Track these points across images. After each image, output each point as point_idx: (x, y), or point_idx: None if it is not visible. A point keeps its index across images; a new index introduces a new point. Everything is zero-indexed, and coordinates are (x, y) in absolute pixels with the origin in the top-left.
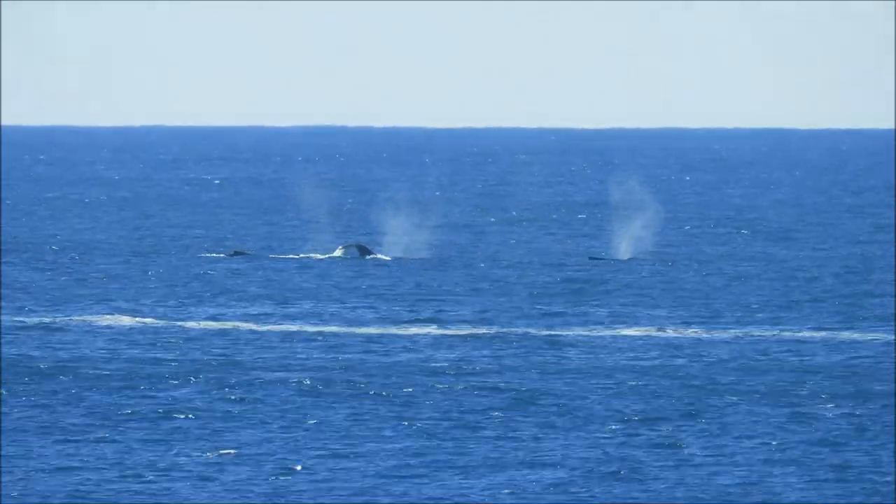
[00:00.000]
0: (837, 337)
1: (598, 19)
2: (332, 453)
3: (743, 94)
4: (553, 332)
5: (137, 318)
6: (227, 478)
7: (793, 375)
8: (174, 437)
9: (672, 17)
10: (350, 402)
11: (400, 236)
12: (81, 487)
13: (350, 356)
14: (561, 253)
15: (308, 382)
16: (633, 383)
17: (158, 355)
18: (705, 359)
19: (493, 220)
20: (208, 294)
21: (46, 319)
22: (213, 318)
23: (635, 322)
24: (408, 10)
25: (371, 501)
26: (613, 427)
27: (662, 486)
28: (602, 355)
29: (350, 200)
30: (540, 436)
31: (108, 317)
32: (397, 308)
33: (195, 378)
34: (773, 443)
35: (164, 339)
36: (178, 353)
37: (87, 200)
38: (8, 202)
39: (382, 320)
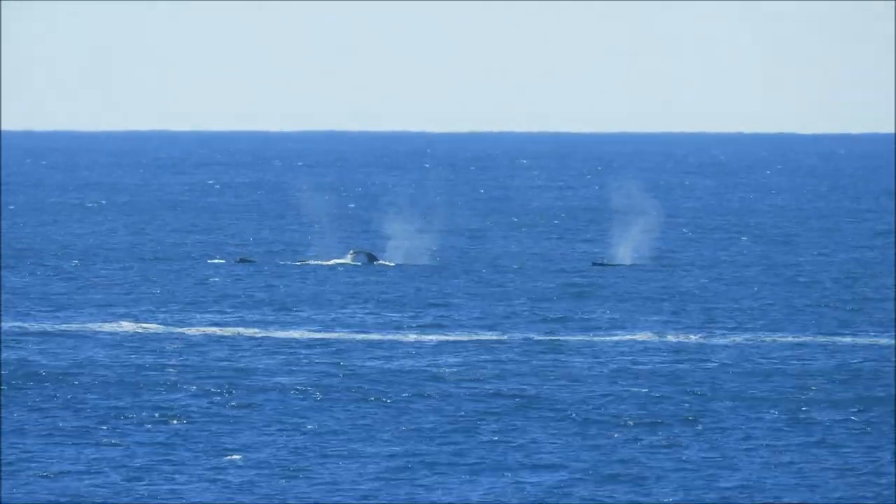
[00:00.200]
0: (837, 341)
1: (598, 19)
2: (333, 456)
3: (743, 95)
4: (555, 337)
5: (140, 325)
6: (230, 480)
7: (793, 380)
8: (175, 441)
9: (672, 18)
10: (353, 406)
11: (403, 241)
12: (82, 492)
13: (355, 362)
14: (563, 258)
15: (311, 388)
16: (635, 388)
17: (162, 361)
18: (706, 363)
19: (494, 224)
20: (214, 301)
21: (47, 325)
22: (219, 324)
23: (636, 327)
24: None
25: None
26: (614, 431)
27: (663, 490)
28: (603, 360)
29: (352, 205)
30: (541, 439)
31: (110, 324)
32: (401, 314)
33: (199, 384)
34: (773, 446)
35: (168, 346)
36: (181, 359)
37: (89, 205)
38: (10, 207)
39: (387, 326)
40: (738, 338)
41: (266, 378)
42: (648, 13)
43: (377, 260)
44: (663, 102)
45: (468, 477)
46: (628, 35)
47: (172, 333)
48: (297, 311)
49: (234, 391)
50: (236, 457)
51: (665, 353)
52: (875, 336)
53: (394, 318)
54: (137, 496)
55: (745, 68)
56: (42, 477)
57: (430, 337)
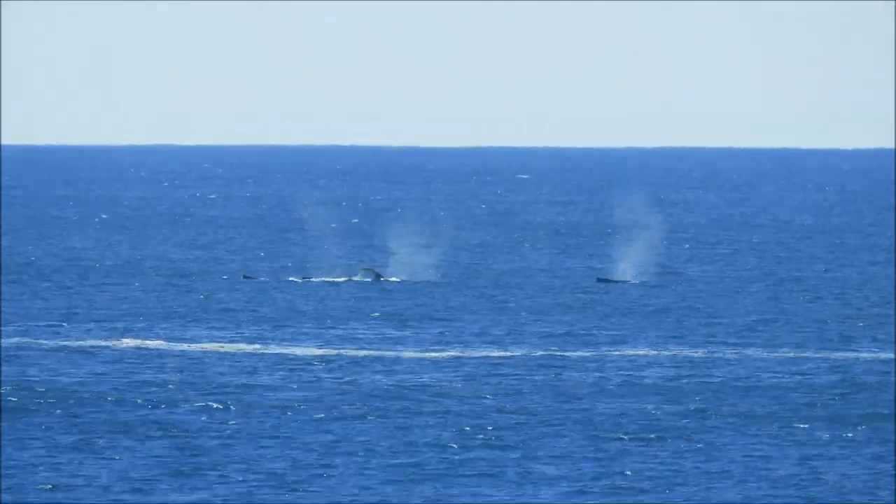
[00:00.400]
0: (839, 356)
1: (598, 19)
2: (333, 470)
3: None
4: (560, 353)
5: (141, 340)
6: (228, 494)
7: (794, 395)
8: (174, 455)
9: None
10: (354, 421)
11: (408, 257)
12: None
13: (358, 377)
14: (568, 274)
15: (312, 403)
16: (638, 403)
17: (162, 376)
18: (709, 378)
19: (498, 240)
20: (217, 316)
21: (46, 341)
22: (221, 340)
23: (640, 342)
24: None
25: None
26: (616, 444)
27: (660, 502)
28: (607, 375)
29: (355, 220)
30: (542, 454)
31: (111, 340)
32: (406, 330)
33: (200, 399)
34: (772, 459)
35: (169, 361)
36: (182, 374)
37: (88, 219)
38: (10, 221)
39: (391, 342)
40: (741, 353)
41: (268, 393)
42: (648, 13)
43: (383, 277)
44: (663, 103)
45: (468, 487)
46: (628, 35)
47: (174, 349)
48: (300, 327)
49: (234, 406)
50: (236, 470)
51: (668, 368)
52: (877, 351)
53: (398, 335)
54: None
55: (744, 68)
56: (41, 490)
57: (434, 353)
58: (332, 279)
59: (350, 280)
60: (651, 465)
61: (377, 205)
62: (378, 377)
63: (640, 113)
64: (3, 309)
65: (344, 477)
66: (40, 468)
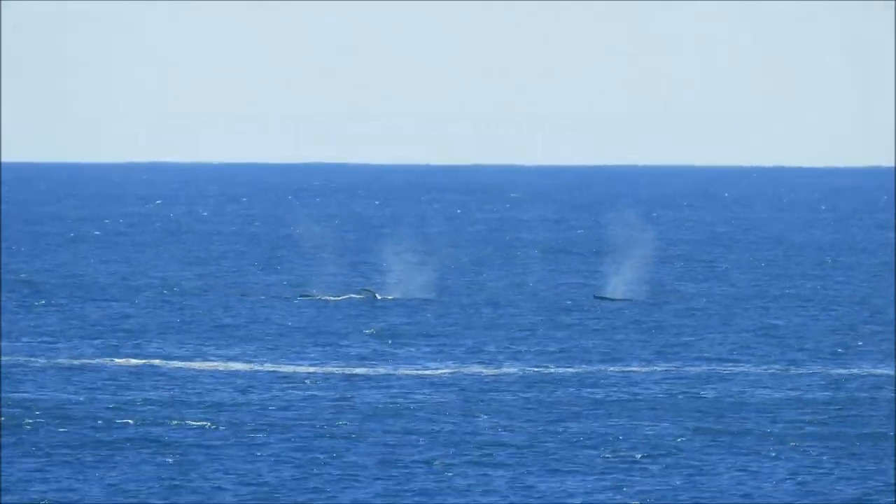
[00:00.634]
0: (831, 373)
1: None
2: (322, 486)
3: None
4: (553, 370)
5: (132, 359)
6: None
7: (787, 411)
8: (165, 472)
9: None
10: (346, 439)
11: (403, 276)
12: None
13: (351, 395)
14: (564, 291)
15: (304, 421)
16: (629, 420)
17: (158, 394)
18: (702, 395)
19: (493, 258)
20: (218, 335)
21: (40, 359)
22: (213, 358)
23: (636, 359)
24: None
25: None
26: (606, 461)
27: None
28: (603, 392)
29: (350, 237)
30: (535, 471)
31: (101, 358)
32: (400, 349)
33: (192, 416)
34: (766, 475)
35: (163, 379)
36: (177, 392)
37: (79, 235)
38: (8, 240)
39: (385, 360)
40: (735, 369)
41: (262, 411)
42: (648, 13)
43: (379, 296)
44: (663, 103)
45: None
46: (628, 35)
47: (168, 367)
48: (295, 344)
49: (228, 423)
50: (228, 485)
51: (663, 385)
52: (869, 368)
53: (392, 352)
54: None
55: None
56: None
57: (428, 371)
58: (328, 297)
59: (346, 298)
60: (644, 483)
61: (371, 222)
62: (372, 394)
63: (640, 113)
64: (2, 326)
65: (336, 493)
66: (33, 484)
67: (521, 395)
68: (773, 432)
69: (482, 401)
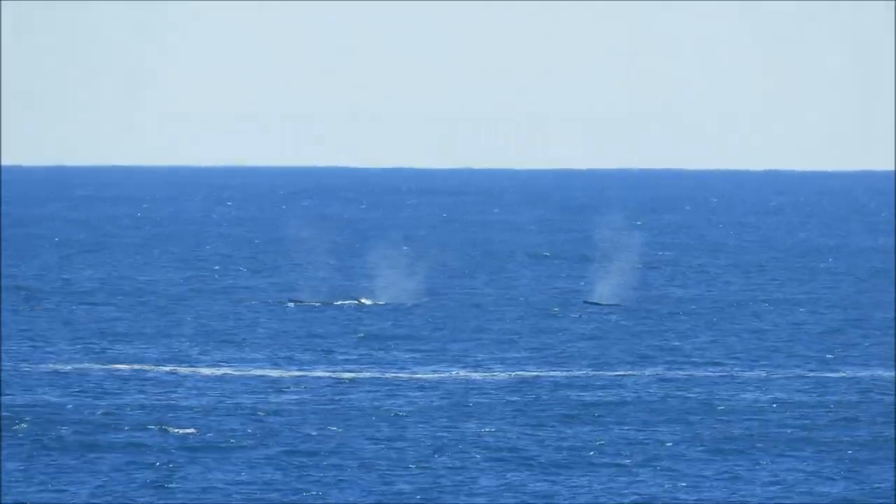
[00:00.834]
0: (821, 376)
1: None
2: (307, 489)
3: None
4: (539, 374)
5: (115, 364)
6: None
7: (775, 415)
8: (150, 476)
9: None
10: (338, 443)
11: (391, 280)
12: None
13: (341, 399)
14: (554, 296)
15: (289, 426)
16: (618, 422)
17: (143, 398)
18: (691, 399)
19: (483, 262)
20: (207, 340)
21: (24, 365)
22: (198, 363)
23: (623, 364)
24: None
25: None
26: (597, 463)
27: None
28: (588, 396)
29: (341, 241)
30: (525, 478)
31: (89, 362)
32: (388, 352)
33: (179, 421)
34: (759, 481)
35: (150, 383)
36: (164, 396)
37: (75, 240)
38: (6, 244)
39: (375, 364)
40: (723, 373)
41: (249, 415)
42: (648, 13)
43: (366, 301)
44: (663, 103)
45: None
46: (628, 35)
47: (154, 371)
48: (284, 349)
49: (216, 428)
50: (215, 490)
51: (651, 390)
52: (857, 371)
53: (380, 356)
54: None
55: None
56: None
57: (417, 375)
58: (317, 302)
59: (335, 303)
60: (630, 486)
61: (360, 225)
62: (360, 399)
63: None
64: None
65: (324, 495)
66: (16, 486)
67: (507, 398)
68: (760, 435)
69: (470, 404)
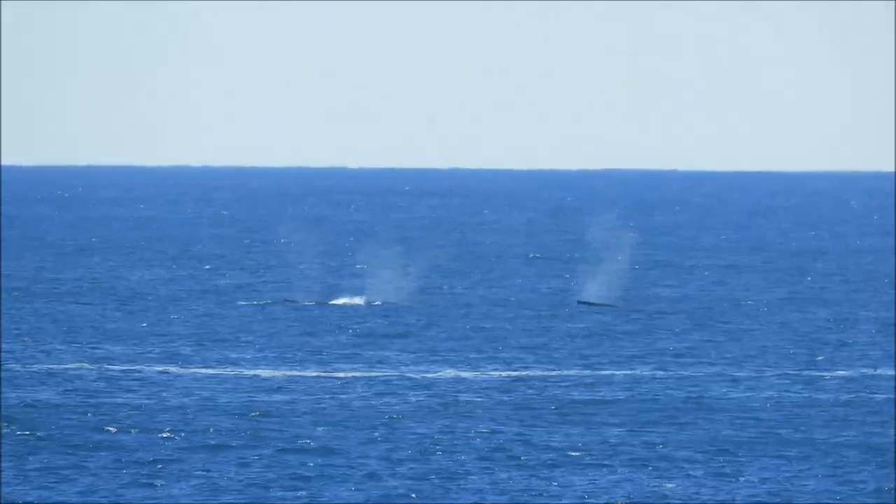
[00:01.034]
0: (805, 375)
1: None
2: (296, 488)
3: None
4: (532, 374)
5: (105, 364)
6: None
7: (764, 414)
8: (137, 477)
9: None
10: (329, 441)
11: (385, 281)
12: None
13: (333, 398)
14: (548, 296)
15: (284, 426)
16: (606, 422)
17: (133, 397)
18: (679, 399)
19: (476, 262)
20: (198, 340)
21: (16, 366)
22: (191, 363)
23: (616, 364)
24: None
25: None
26: (584, 462)
27: None
28: (577, 395)
29: (336, 242)
30: (515, 476)
31: (78, 362)
32: (383, 351)
33: (171, 420)
34: (752, 482)
35: (136, 384)
36: (157, 395)
37: (67, 241)
38: (6, 244)
39: (368, 363)
40: (717, 373)
41: (243, 416)
42: (648, 13)
43: (361, 302)
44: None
45: None
46: (628, 35)
47: (149, 371)
48: (277, 348)
49: (205, 427)
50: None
51: (641, 389)
52: (851, 371)
53: (372, 355)
54: None
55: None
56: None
57: (409, 375)
58: (309, 302)
59: (330, 303)
60: (619, 487)
61: (354, 226)
62: (352, 398)
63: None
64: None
65: (315, 494)
66: (4, 488)
67: (498, 397)
68: (749, 435)
69: (461, 404)
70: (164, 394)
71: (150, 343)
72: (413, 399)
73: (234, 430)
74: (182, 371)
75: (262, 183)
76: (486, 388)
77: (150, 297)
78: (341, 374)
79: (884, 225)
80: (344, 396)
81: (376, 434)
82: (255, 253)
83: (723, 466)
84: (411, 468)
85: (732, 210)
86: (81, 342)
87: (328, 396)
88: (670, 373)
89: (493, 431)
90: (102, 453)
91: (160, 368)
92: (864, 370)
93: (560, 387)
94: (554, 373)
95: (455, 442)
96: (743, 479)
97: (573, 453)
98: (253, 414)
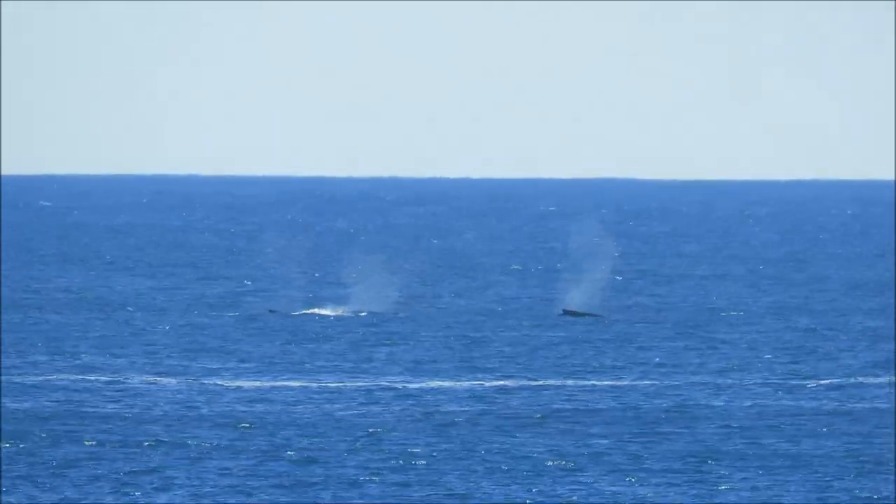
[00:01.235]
0: (793, 386)
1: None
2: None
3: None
4: (512, 384)
5: (86, 375)
6: None
7: (745, 422)
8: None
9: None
10: (307, 451)
11: (368, 290)
12: None
13: (314, 408)
14: (533, 306)
15: (264, 436)
16: (595, 433)
17: (115, 408)
18: (664, 407)
19: (458, 271)
20: (181, 350)
21: (11, 376)
22: (177, 374)
23: (599, 373)
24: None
25: None
26: (560, 471)
27: None
28: (555, 404)
29: (319, 251)
30: (481, 483)
31: (58, 373)
32: (366, 362)
33: (153, 430)
34: (738, 491)
35: (119, 394)
36: (135, 407)
37: (52, 250)
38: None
39: (349, 374)
40: (699, 382)
41: (220, 426)
42: (648, 13)
43: (344, 312)
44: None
45: None
46: (628, 35)
47: (125, 381)
48: (260, 359)
49: (187, 438)
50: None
51: (622, 398)
52: (833, 380)
53: (355, 367)
54: None
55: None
56: None
57: (389, 385)
58: (293, 312)
59: (312, 312)
60: (596, 496)
61: (338, 236)
62: (334, 408)
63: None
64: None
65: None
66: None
67: (480, 407)
68: (730, 445)
69: (443, 413)
70: (147, 404)
71: (133, 353)
72: (396, 409)
73: (217, 439)
74: (165, 381)
75: (246, 191)
76: (468, 398)
77: (132, 307)
78: (324, 384)
79: (867, 232)
80: (327, 406)
81: (359, 444)
82: (238, 262)
83: (705, 476)
84: (393, 477)
85: (717, 218)
86: (64, 352)
87: (311, 406)
88: (654, 382)
89: (476, 441)
90: (84, 463)
91: (143, 378)
92: (848, 379)
93: (543, 396)
94: (537, 382)
95: (437, 451)
96: (725, 487)
97: (555, 462)
98: (236, 424)
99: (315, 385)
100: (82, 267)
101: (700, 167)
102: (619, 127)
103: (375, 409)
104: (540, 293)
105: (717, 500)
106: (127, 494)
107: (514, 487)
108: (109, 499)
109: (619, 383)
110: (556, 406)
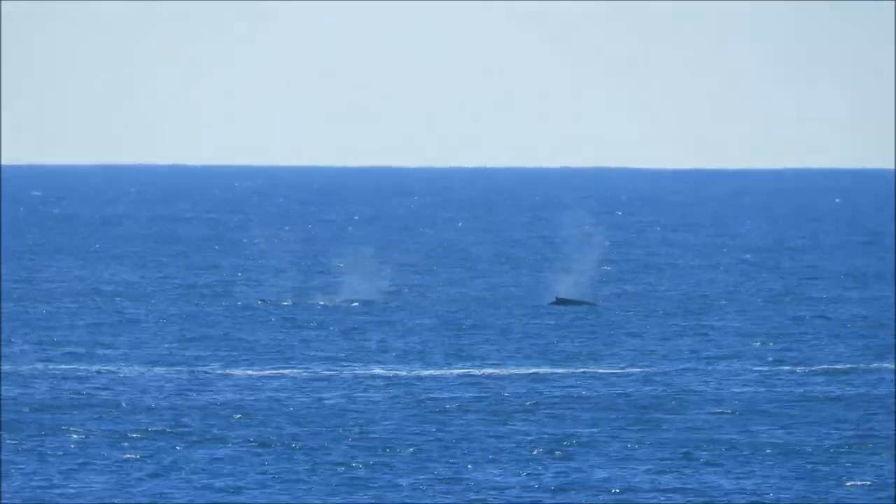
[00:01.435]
0: (781, 373)
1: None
2: (265, 486)
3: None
4: (505, 372)
5: (79, 364)
6: None
7: (736, 413)
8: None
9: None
10: (297, 440)
11: (360, 279)
12: None
13: (303, 397)
14: (524, 294)
15: (253, 426)
16: (584, 421)
17: (106, 397)
18: (654, 395)
19: (451, 261)
20: (175, 340)
21: (7, 366)
22: (169, 363)
23: (601, 361)
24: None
25: None
26: (560, 462)
27: None
28: (547, 393)
29: (310, 240)
30: (471, 475)
31: (47, 363)
32: (358, 351)
33: (142, 423)
34: (739, 479)
35: (112, 383)
36: (128, 397)
37: (43, 241)
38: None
39: (338, 362)
40: (692, 369)
41: (215, 414)
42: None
43: (337, 300)
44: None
45: None
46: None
47: (118, 372)
48: (251, 349)
49: (181, 428)
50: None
51: (615, 387)
52: (826, 368)
53: (343, 355)
54: None
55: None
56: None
57: (382, 373)
58: (284, 302)
59: (306, 302)
60: (584, 483)
61: (329, 226)
62: (326, 397)
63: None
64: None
65: (287, 494)
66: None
67: (471, 394)
68: (720, 434)
69: (434, 401)
70: (138, 393)
71: (124, 342)
72: (387, 396)
73: (208, 428)
74: (156, 370)
75: (240, 182)
76: (460, 385)
77: (121, 297)
78: (315, 372)
79: (856, 221)
80: (318, 394)
81: (350, 431)
82: (231, 252)
83: (696, 462)
84: (384, 464)
85: (709, 207)
86: (54, 342)
87: (302, 394)
88: (645, 369)
89: (467, 428)
90: (73, 452)
91: (133, 367)
92: (840, 366)
93: (534, 383)
94: (529, 370)
95: (428, 438)
96: (716, 474)
97: (546, 449)
98: (227, 413)
99: (306, 373)
100: (72, 257)
101: (690, 156)
102: (610, 118)
103: (366, 397)
104: (531, 282)
105: (708, 486)
106: (117, 483)
107: (504, 474)
108: (99, 487)
109: (610, 371)
110: (547, 393)
